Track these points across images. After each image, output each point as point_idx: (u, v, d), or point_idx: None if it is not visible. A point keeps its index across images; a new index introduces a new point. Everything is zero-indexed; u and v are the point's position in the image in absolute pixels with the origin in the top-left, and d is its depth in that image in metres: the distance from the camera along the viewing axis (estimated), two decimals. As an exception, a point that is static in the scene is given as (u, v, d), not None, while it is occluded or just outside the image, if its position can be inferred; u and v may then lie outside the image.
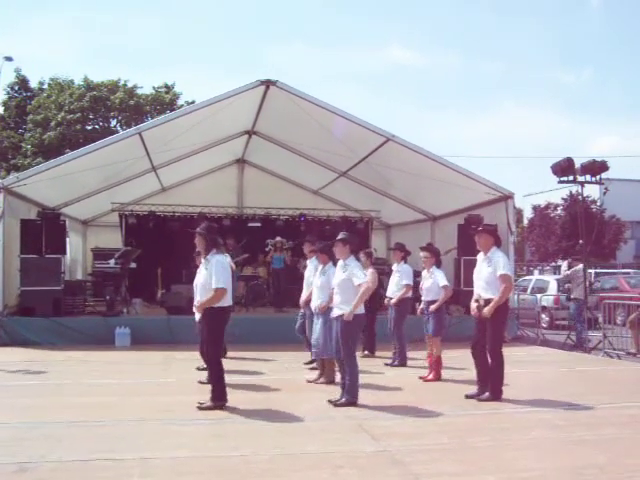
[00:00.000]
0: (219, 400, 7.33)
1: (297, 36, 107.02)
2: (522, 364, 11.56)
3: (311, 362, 10.19)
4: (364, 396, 8.00)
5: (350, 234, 8.13)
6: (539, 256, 41.39)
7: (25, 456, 5.46)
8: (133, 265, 16.12)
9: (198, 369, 9.55)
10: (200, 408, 7.28)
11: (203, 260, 7.55)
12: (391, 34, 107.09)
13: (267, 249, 18.69)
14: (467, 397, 8.09)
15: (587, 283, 15.01)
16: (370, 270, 11.02)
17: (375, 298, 11.39)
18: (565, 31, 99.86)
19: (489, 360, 8.02)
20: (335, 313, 7.70)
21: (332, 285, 8.02)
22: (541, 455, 5.72)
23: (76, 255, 19.96)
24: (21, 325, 13.14)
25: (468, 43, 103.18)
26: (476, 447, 5.97)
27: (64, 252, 14.57)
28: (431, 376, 9.53)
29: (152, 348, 12.37)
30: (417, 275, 11.26)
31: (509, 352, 12.67)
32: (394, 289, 10.87)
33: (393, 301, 10.80)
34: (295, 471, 5.23)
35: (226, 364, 10.48)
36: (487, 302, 7.87)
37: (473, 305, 8.14)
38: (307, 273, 10.12)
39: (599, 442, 6.15)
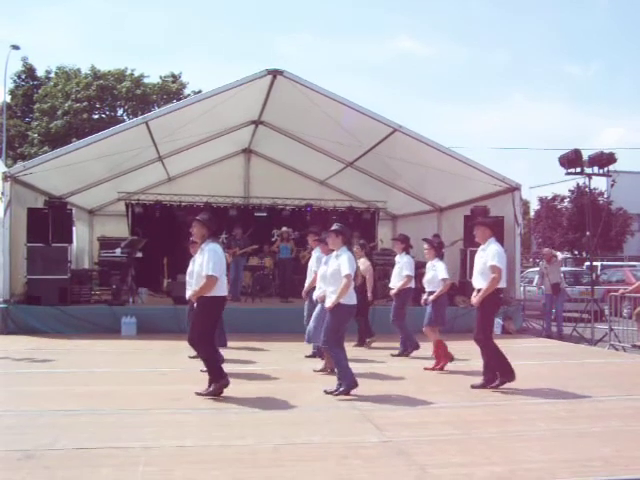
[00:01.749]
0: (218, 381, 7.32)
1: (305, 26, 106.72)
2: (528, 356, 11.56)
3: (313, 355, 10.25)
4: (368, 386, 8.01)
5: (343, 225, 8.11)
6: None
7: (31, 444, 5.48)
8: (139, 254, 16.13)
9: (190, 357, 9.64)
10: (200, 394, 7.28)
11: (199, 249, 7.53)
12: (399, 25, 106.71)
13: (273, 239, 18.69)
14: (473, 387, 8.12)
15: (596, 277, 15.13)
16: (362, 260, 11.04)
17: (369, 289, 11.45)
18: (573, 23, 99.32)
19: (490, 348, 8.07)
20: (326, 303, 7.74)
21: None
22: (546, 447, 5.71)
23: (82, 244, 19.98)
24: (28, 313, 13.19)
25: (476, 35, 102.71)
26: (481, 438, 5.96)
27: (71, 241, 14.59)
28: (438, 365, 9.57)
29: (158, 337, 12.40)
30: (422, 266, 11.28)
31: (515, 344, 12.76)
32: (396, 280, 10.89)
33: (393, 292, 10.84)
34: (300, 461, 5.23)
35: (232, 354, 10.55)
36: (480, 292, 7.97)
37: (473, 296, 8.21)
38: (310, 263, 10.15)
39: (604, 434, 6.14)
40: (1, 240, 13.19)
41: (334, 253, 7.85)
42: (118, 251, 15.10)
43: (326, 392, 7.67)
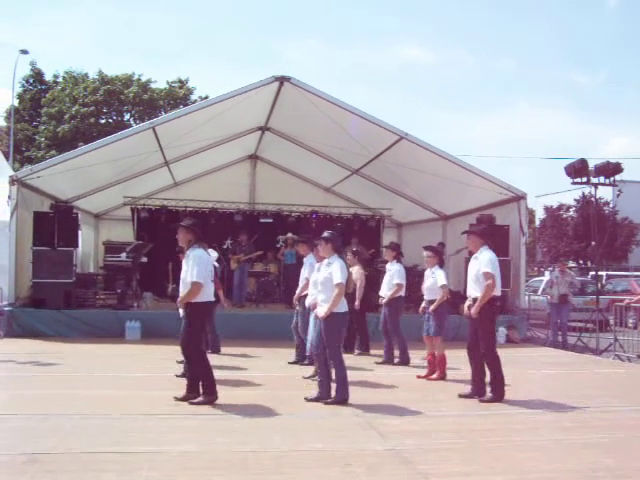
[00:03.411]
0: (210, 395, 7.30)
1: (311, 34, 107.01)
2: (532, 365, 11.54)
3: (295, 362, 10.33)
4: (372, 394, 8.02)
5: (334, 233, 8.09)
6: (550, 257, 41.20)
7: (35, 447, 5.49)
8: (144, 259, 16.16)
9: (177, 362, 9.57)
10: (191, 403, 7.27)
11: (185, 256, 7.52)
12: (405, 32, 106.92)
13: (278, 245, 18.69)
14: (460, 397, 8.07)
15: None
16: (355, 268, 11.00)
17: (366, 297, 11.44)
18: (580, 31, 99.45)
19: (491, 360, 8.00)
20: (318, 312, 7.73)
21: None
22: (550, 457, 5.70)
23: (88, 248, 20.02)
24: (32, 317, 13.21)
25: (483, 42, 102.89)
26: (485, 447, 5.95)
27: (76, 245, 14.62)
28: (435, 375, 9.53)
29: (162, 342, 12.38)
30: (421, 274, 11.27)
31: (520, 353, 12.74)
32: (386, 288, 10.88)
33: (384, 300, 10.83)
34: (304, 468, 5.23)
35: (235, 360, 10.59)
36: (475, 301, 7.90)
37: (466, 305, 8.15)
38: (303, 271, 10.13)
39: (609, 445, 6.12)
40: (7, 243, 13.25)
41: (325, 261, 7.84)
42: (123, 255, 15.14)
43: (307, 399, 7.63)
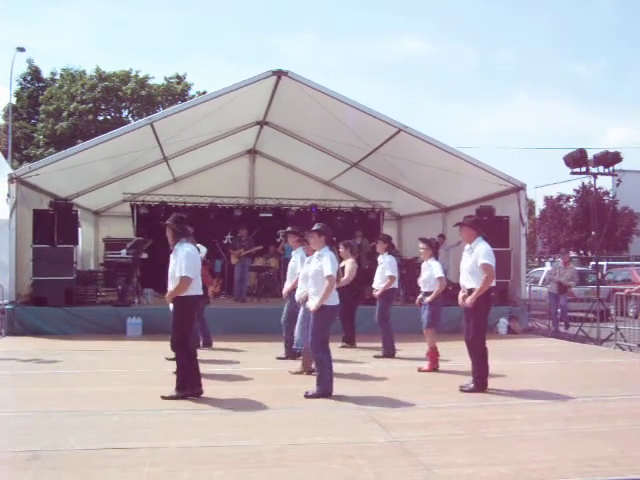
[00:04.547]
0: (183, 390, 7.34)
1: (309, 28, 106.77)
2: (533, 356, 11.55)
3: (285, 358, 10.18)
4: (373, 386, 8.01)
5: (325, 225, 8.07)
6: (551, 248, 41.18)
7: (38, 444, 5.50)
8: (145, 255, 16.14)
9: (167, 359, 9.50)
10: (163, 397, 7.28)
11: (173, 251, 7.56)
12: (404, 26, 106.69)
13: (278, 240, 18.70)
14: (461, 388, 8.06)
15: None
16: (349, 260, 10.93)
17: (354, 289, 11.38)
18: (578, 22, 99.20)
19: (478, 350, 7.99)
20: (309, 304, 7.72)
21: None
22: (552, 447, 5.71)
23: (88, 245, 20.02)
24: (33, 315, 13.21)
25: (481, 34, 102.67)
26: (487, 438, 5.96)
27: (76, 242, 14.60)
28: (426, 367, 9.51)
29: (163, 338, 12.23)
30: (410, 265, 11.21)
31: (521, 343, 12.77)
32: (379, 281, 10.88)
33: (377, 293, 10.83)
34: (306, 461, 5.24)
35: (237, 355, 10.60)
36: (470, 292, 7.90)
37: (460, 296, 8.15)
38: (291, 264, 10.09)
39: (610, 434, 6.12)
40: (7, 241, 13.24)
41: (316, 253, 7.82)
42: (123, 252, 15.11)
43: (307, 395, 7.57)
